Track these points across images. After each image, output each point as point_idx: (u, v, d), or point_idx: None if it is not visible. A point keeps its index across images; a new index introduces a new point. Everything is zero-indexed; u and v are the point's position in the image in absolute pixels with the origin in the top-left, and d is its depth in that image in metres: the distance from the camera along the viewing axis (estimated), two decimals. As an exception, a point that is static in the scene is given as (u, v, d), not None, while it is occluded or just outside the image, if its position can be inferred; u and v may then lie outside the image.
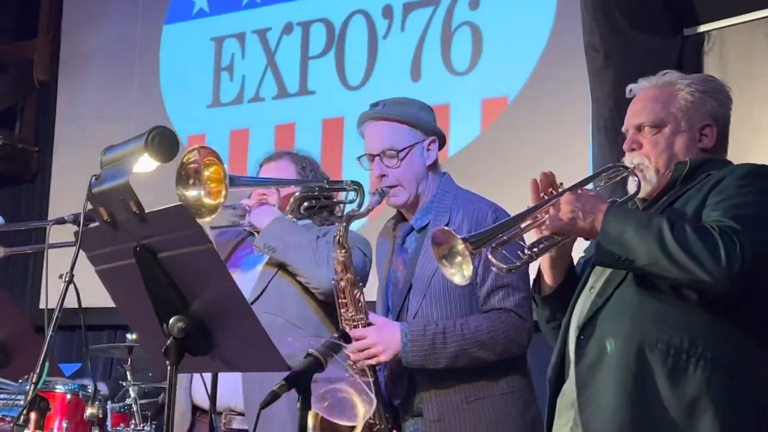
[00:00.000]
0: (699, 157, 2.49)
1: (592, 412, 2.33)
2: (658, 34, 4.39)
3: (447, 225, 2.99)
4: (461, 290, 2.93)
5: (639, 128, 2.54)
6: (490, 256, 2.36)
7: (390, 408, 3.04)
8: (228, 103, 6.44)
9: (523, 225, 2.42)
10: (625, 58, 4.32)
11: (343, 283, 3.01)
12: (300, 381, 2.14)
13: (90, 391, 4.20)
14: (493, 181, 5.10)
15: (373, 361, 2.93)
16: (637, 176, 2.50)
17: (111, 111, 6.86)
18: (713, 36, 4.44)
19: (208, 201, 2.93)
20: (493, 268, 2.40)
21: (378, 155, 3.10)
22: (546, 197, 2.41)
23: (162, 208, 2.03)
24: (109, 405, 4.56)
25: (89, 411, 4.44)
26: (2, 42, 7.58)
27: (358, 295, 3.00)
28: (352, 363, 2.86)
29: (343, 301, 3.02)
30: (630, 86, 2.63)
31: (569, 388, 2.43)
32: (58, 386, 4.28)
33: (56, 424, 4.37)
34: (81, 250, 2.26)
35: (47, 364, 2.39)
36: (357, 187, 3.22)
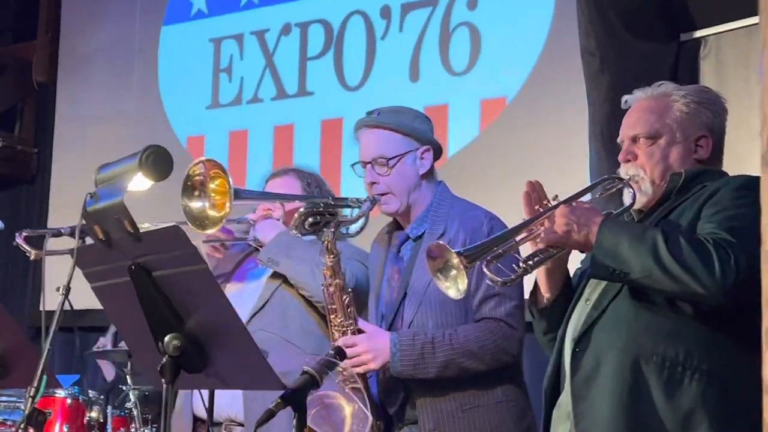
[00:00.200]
0: (694, 168, 2.50)
1: (588, 425, 2.34)
2: (654, 39, 4.37)
3: (443, 234, 3.00)
4: (456, 300, 2.93)
5: (634, 139, 2.54)
6: (485, 270, 2.36)
7: (383, 414, 3.04)
8: (227, 104, 6.42)
9: (518, 238, 2.43)
10: (621, 63, 4.30)
11: (332, 289, 3.01)
12: (296, 399, 2.15)
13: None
14: (492, 181, 5.10)
15: (361, 369, 2.94)
16: (632, 188, 2.50)
17: (110, 112, 6.84)
18: (710, 41, 4.42)
19: (212, 213, 2.93)
20: (488, 282, 2.40)
21: (370, 163, 3.11)
22: (540, 210, 2.42)
23: (157, 228, 2.05)
24: (110, 409, 4.57)
25: (89, 415, 4.47)
26: (1, 43, 7.55)
27: (347, 301, 3.01)
28: (341, 369, 2.86)
29: (332, 307, 3.02)
30: (625, 97, 2.64)
31: (565, 400, 2.44)
32: (58, 391, 4.29)
33: (57, 428, 4.39)
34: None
35: (45, 377, 2.40)
36: (362, 204, 3.22)
